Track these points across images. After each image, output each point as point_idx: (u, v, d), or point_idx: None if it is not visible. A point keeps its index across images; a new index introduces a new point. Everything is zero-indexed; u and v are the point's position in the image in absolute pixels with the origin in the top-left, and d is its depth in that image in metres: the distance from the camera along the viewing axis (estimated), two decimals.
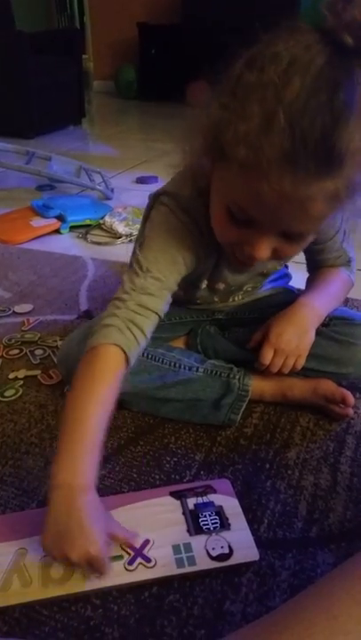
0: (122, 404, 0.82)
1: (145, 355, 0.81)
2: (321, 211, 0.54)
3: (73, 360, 0.70)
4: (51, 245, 1.52)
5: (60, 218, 1.63)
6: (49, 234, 1.59)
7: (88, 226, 1.63)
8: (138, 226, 1.45)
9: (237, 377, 0.81)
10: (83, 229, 1.62)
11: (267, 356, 0.76)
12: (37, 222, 1.61)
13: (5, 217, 1.68)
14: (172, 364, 0.82)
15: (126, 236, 1.55)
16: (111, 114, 3.80)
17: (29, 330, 1.06)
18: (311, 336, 0.77)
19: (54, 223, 1.61)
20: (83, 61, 3.41)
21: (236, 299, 0.90)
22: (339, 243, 0.83)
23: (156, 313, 0.68)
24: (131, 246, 1.06)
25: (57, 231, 1.61)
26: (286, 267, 0.97)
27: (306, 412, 0.83)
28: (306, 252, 0.84)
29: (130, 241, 1.53)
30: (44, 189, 2.00)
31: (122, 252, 1.45)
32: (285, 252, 0.63)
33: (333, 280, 0.84)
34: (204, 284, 0.83)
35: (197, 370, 0.82)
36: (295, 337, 0.76)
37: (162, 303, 0.69)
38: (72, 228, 1.62)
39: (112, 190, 1.92)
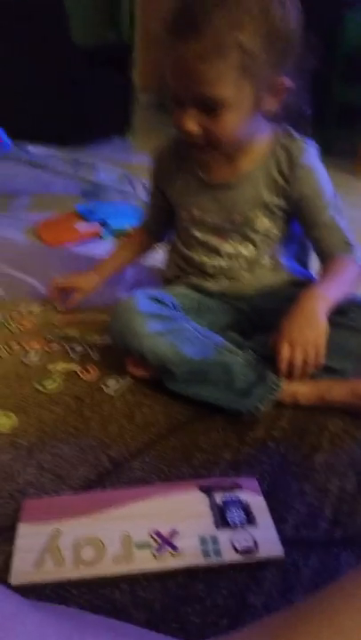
0: (164, 372, 0.85)
1: (192, 327, 0.87)
2: (205, 71, 0.72)
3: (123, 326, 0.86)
4: (93, 249, 1.56)
5: (103, 223, 1.68)
6: (91, 238, 1.64)
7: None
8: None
9: (272, 370, 0.82)
10: (123, 235, 1.67)
11: (283, 351, 0.77)
12: (81, 226, 1.67)
13: (51, 220, 1.75)
14: (216, 343, 0.86)
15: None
16: (155, 127, 3.87)
17: (67, 324, 1.11)
18: (323, 321, 0.78)
19: (97, 228, 1.66)
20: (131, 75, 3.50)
21: (235, 268, 0.94)
22: (329, 217, 0.87)
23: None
24: (165, 255, 1.12)
25: (99, 236, 1.66)
26: (309, 272, 1.00)
27: (335, 418, 0.84)
28: (304, 230, 0.92)
29: (164, 248, 1.56)
30: (87, 195, 2.06)
31: (160, 258, 1.48)
32: (210, 127, 0.78)
33: (341, 269, 0.86)
34: (184, 214, 0.95)
35: (238, 355, 0.84)
36: (307, 327, 0.77)
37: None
38: (114, 233, 1.67)
39: None
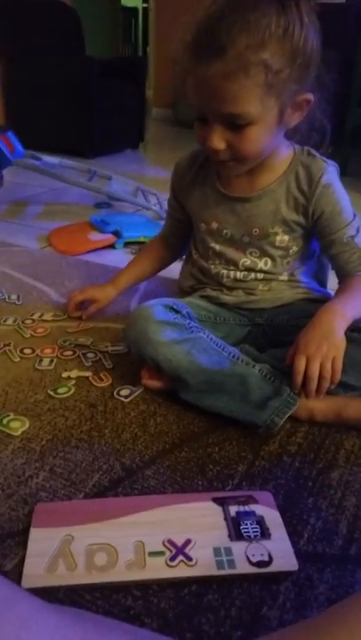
0: (178, 382, 0.85)
1: (208, 337, 0.87)
2: (231, 89, 0.73)
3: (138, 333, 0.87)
4: (106, 259, 1.58)
5: (116, 234, 1.69)
6: (104, 248, 1.65)
7: (142, 243, 1.69)
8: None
9: (288, 384, 0.82)
10: (136, 246, 1.68)
11: (299, 364, 0.77)
12: (94, 236, 1.68)
13: (65, 229, 1.76)
14: (232, 354, 0.86)
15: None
16: (167, 140, 3.92)
17: (79, 331, 1.12)
18: (341, 337, 0.78)
19: (110, 238, 1.67)
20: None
21: (252, 281, 0.95)
22: (348, 236, 0.88)
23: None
24: (181, 266, 1.12)
25: (112, 246, 1.67)
26: (326, 290, 1.01)
27: (351, 436, 0.83)
28: (322, 248, 0.93)
29: (180, 260, 1.57)
30: (101, 206, 2.08)
31: (173, 269, 1.49)
32: (236, 143, 0.79)
33: (359, 286, 0.87)
34: (203, 227, 0.96)
35: (254, 367, 0.84)
36: (323, 340, 0.77)
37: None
38: (126, 244, 1.68)
39: (166, 211, 1.98)
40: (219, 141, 0.79)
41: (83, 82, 2.93)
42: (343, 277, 0.91)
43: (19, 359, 1.00)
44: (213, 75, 0.73)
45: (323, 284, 1.03)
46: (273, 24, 0.71)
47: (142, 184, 2.15)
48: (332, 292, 1.00)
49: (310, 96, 0.79)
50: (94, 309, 1.15)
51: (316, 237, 0.93)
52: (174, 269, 1.46)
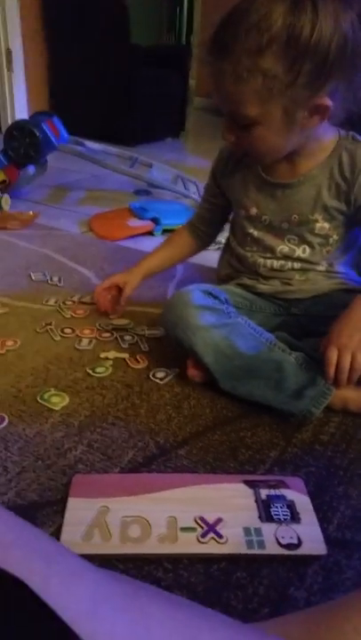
0: (215, 368, 0.86)
1: (246, 323, 0.89)
2: (233, 91, 0.75)
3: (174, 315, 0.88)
4: (144, 245, 1.60)
5: (155, 221, 1.71)
6: (143, 234, 1.68)
7: None
8: (226, 234, 1.50)
9: (322, 374, 0.82)
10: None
11: (331, 355, 0.78)
12: (134, 223, 1.71)
13: (105, 215, 1.79)
14: (269, 341, 0.87)
15: (215, 242, 1.60)
16: (208, 129, 3.90)
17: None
18: None
19: (149, 225, 1.69)
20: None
21: (288, 270, 0.95)
22: None
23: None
24: (218, 253, 1.12)
25: (150, 233, 1.69)
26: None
27: None
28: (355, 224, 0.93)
29: (218, 248, 1.57)
30: (140, 194, 2.10)
31: (209, 257, 1.50)
32: (244, 140, 0.82)
33: None
34: (242, 213, 0.96)
35: (290, 354, 0.85)
36: (356, 332, 0.78)
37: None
38: (165, 232, 1.70)
39: None
40: (228, 135, 0.82)
41: (126, 69, 2.95)
42: None
43: (59, 338, 1.04)
44: (217, 73, 0.76)
45: None
46: (278, 26, 0.70)
47: (182, 172, 2.16)
48: None
49: (327, 101, 0.76)
50: (129, 291, 1.08)
51: (358, 225, 0.92)
52: (211, 257, 1.47)
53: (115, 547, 0.61)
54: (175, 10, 6.86)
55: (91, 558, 0.60)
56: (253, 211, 0.95)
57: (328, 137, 0.87)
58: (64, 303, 1.18)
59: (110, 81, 3.01)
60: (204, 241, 1.13)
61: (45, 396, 0.86)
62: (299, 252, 0.94)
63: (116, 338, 1.05)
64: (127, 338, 1.05)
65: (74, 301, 1.19)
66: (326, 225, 0.90)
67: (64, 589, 0.37)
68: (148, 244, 1.60)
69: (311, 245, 0.93)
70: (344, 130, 0.89)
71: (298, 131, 0.80)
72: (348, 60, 0.73)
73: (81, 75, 3.07)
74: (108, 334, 1.06)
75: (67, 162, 2.35)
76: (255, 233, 0.96)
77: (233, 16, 0.74)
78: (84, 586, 0.38)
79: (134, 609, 0.39)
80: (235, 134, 0.82)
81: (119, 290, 1.10)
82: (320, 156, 0.88)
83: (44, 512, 0.66)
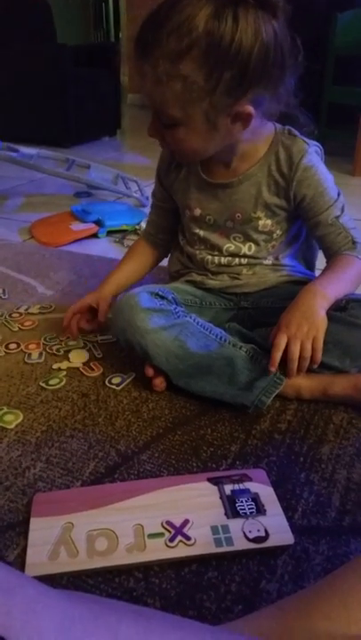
0: (168, 368, 0.86)
1: (195, 321, 0.88)
2: (154, 93, 0.76)
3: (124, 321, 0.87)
4: (89, 248, 1.57)
5: (99, 223, 1.69)
6: (87, 237, 1.65)
7: (124, 231, 1.69)
8: None
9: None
10: (119, 234, 1.68)
11: (279, 341, 0.77)
12: (77, 226, 1.68)
13: (46, 220, 1.75)
14: (219, 337, 0.87)
15: None
16: (144, 126, 3.87)
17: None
18: (321, 317, 0.78)
19: (93, 227, 1.67)
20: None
21: (236, 266, 0.96)
22: (333, 217, 0.88)
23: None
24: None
25: (95, 235, 1.67)
26: (312, 272, 1.02)
27: (339, 410, 0.85)
28: (308, 229, 0.94)
29: None
30: (81, 196, 2.07)
31: None
32: (167, 138, 0.82)
33: (343, 265, 0.87)
34: (187, 213, 0.97)
35: (241, 348, 0.85)
36: (304, 320, 0.78)
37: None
38: (109, 233, 1.68)
39: (147, 198, 1.97)
40: (152, 131, 0.82)
41: (55, 70, 2.89)
42: (330, 257, 0.91)
43: (9, 354, 1.00)
44: (141, 72, 0.76)
45: (311, 264, 1.03)
46: (199, 32, 0.69)
47: (122, 171, 2.14)
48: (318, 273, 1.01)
49: (249, 109, 0.76)
50: (103, 316, 1.01)
51: (301, 219, 0.93)
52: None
53: (83, 562, 0.60)
54: (101, 7, 6.79)
55: (59, 577, 0.60)
56: (197, 211, 0.95)
57: (264, 134, 0.87)
58: (10, 316, 1.14)
59: (40, 83, 2.95)
60: (165, 247, 1.10)
61: None
62: (245, 249, 0.94)
63: (68, 347, 1.03)
64: (80, 346, 1.03)
65: (20, 313, 1.16)
66: (269, 221, 0.91)
67: (28, 621, 0.36)
68: (94, 247, 1.58)
69: (256, 242, 0.93)
70: (280, 124, 0.89)
71: (221, 135, 0.80)
72: (270, 69, 0.73)
73: (9, 78, 2.99)
74: (58, 344, 1.04)
75: (1, 169, 2.29)
76: (201, 233, 0.96)
77: (156, 16, 0.72)
78: (49, 615, 0.37)
79: (102, 630, 0.38)
80: (159, 132, 0.82)
81: (92, 310, 1.03)
82: (259, 153, 0.88)
83: (6, 535, 0.64)
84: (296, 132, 0.88)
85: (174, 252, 1.07)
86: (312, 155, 0.87)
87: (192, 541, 0.62)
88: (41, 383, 0.92)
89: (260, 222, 0.91)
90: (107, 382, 0.92)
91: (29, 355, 1.00)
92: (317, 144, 0.90)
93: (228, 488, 0.69)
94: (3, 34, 2.97)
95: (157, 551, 0.61)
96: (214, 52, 0.69)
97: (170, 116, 0.77)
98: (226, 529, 0.64)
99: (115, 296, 1.03)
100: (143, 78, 0.76)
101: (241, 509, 0.66)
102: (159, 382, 0.89)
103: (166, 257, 1.12)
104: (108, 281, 1.06)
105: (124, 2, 4.67)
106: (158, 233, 1.09)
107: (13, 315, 1.15)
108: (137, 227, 1.68)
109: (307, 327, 0.77)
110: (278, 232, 0.93)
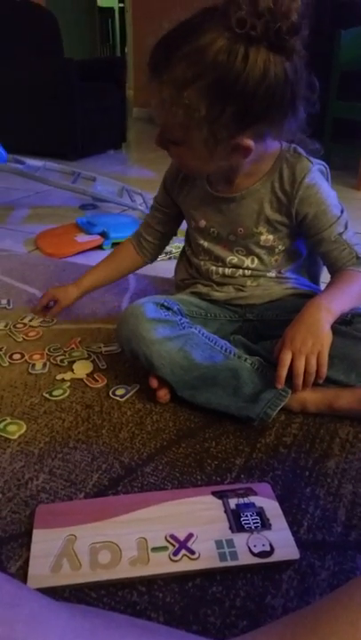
0: (173, 379, 0.86)
1: (200, 333, 0.89)
2: (159, 113, 0.77)
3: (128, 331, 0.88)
4: (94, 260, 1.56)
5: (103, 235, 1.69)
6: (92, 249, 1.66)
7: None
8: (177, 244, 1.50)
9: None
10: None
11: (284, 357, 0.77)
12: (82, 238, 1.68)
13: (51, 232, 1.76)
14: (224, 348, 0.87)
15: (166, 253, 1.60)
16: (149, 140, 3.91)
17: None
18: (326, 331, 0.78)
19: (97, 239, 1.68)
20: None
21: (240, 277, 0.96)
22: (336, 234, 0.88)
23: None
24: (170, 263, 1.13)
25: (100, 247, 1.67)
26: (316, 285, 1.02)
27: (345, 424, 0.85)
28: (311, 246, 0.93)
29: (169, 258, 1.57)
30: (86, 208, 2.08)
31: (161, 267, 1.50)
32: (174, 153, 0.84)
33: (348, 280, 0.86)
34: (192, 224, 0.97)
35: (246, 360, 0.85)
36: (309, 335, 0.77)
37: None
38: (114, 245, 1.68)
39: None
40: (158, 142, 0.83)
41: (62, 84, 2.92)
42: (334, 273, 0.91)
43: (13, 364, 1.00)
44: (149, 87, 0.76)
45: (315, 277, 1.04)
46: (207, 63, 0.69)
47: (127, 184, 2.15)
48: (323, 287, 1.01)
49: (249, 143, 0.77)
50: (57, 310, 1.16)
51: (305, 236, 0.93)
52: (163, 268, 1.47)
53: (85, 575, 0.60)
54: (107, 22, 6.89)
55: (61, 589, 0.59)
56: (202, 223, 0.95)
57: (270, 151, 0.86)
58: (15, 326, 1.15)
59: (47, 97, 2.98)
60: (149, 255, 1.12)
61: (1, 426, 0.83)
62: (248, 262, 0.95)
63: (73, 358, 1.03)
64: (84, 357, 1.03)
65: (25, 323, 1.16)
66: (271, 237, 0.91)
67: (31, 634, 0.36)
68: (98, 259, 1.56)
69: (258, 256, 0.94)
70: (288, 144, 0.89)
71: (221, 160, 0.81)
72: (275, 109, 0.74)
73: (16, 92, 3.02)
74: (63, 355, 1.03)
75: (8, 181, 2.31)
76: (205, 244, 0.97)
77: (176, 35, 0.72)
78: (52, 628, 0.36)
79: None
80: (164, 145, 0.83)
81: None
82: (262, 170, 0.88)
83: (8, 547, 0.64)
84: (301, 151, 0.88)
85: (180, 261, 1.08)
86: (315, 173, 0.87)
87: (196, 555, 0.61)
88: (45, 394, 0.92)
89: (262, 237, 0.91)
90: (111, 394, 0.92)
91: (33, 365, 1.00)
92: (322, 163, 0.90)
93: (232, 502, 0.69)
94: (10, 48, 3.01)
95: (161, 565, 0.60)
96: (219, 86, 0.70)
97: (172, 135, 0.79)
98: (230, 543, 0.63)
99: (81, 297, 1.16)
100: (150, 93, 0.77)
101: (246, 523, 0.65)
102: (163, 394, 0.88)
103: (148, 264, 1.15)
104: (80, 281, 1.15)
105: (130, 17, 4.73)
106: (149, 236, 1.09)
107: (18, 325, 1.15)
108: None
109: (311, 342, 0.77)
110: (280, 247, 0.93)
